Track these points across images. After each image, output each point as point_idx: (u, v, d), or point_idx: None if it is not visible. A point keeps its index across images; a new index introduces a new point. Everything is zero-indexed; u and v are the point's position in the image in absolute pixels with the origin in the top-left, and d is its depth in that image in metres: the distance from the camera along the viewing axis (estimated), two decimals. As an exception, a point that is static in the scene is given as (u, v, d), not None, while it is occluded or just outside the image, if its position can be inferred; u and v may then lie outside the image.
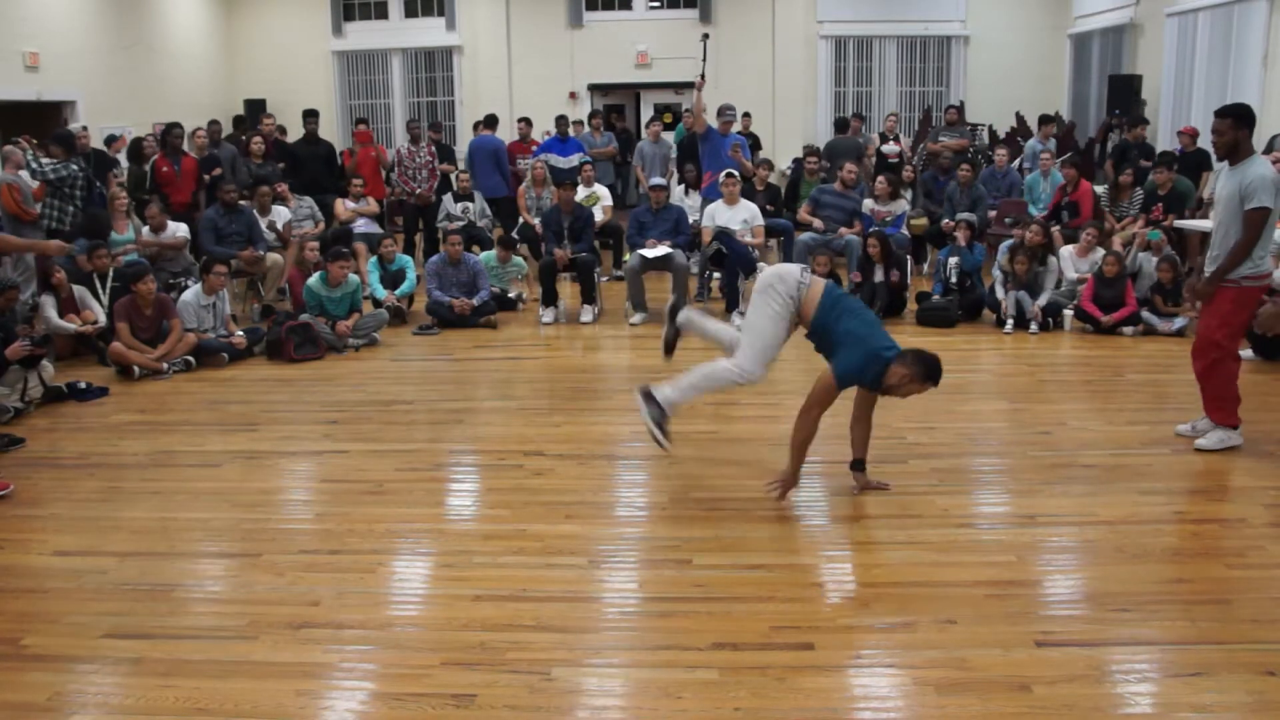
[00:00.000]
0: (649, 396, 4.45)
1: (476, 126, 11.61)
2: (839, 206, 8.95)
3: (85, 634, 3.33)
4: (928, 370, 4.09)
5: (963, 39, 13.92)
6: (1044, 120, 11.14)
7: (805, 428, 4.21)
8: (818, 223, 8.88)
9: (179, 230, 8.21)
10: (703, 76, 9.00)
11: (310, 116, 10.58)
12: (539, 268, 8.53)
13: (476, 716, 2.86)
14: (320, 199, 9.75)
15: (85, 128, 9.46)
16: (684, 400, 4.48)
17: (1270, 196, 4.62)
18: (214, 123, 10.56)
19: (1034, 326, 7.49)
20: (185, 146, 9.50)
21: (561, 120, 11.35)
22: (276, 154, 10.18)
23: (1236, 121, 4.73)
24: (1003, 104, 12.95)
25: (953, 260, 8.03)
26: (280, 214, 9.04)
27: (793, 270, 4.41)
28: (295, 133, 11.12)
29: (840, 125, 11.71)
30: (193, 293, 7.16)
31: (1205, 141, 9.51)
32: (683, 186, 10.17)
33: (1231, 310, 4.83)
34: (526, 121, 11.81)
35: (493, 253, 8.85)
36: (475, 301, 8.03)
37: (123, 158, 10.10)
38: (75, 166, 7.85)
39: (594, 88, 14.20)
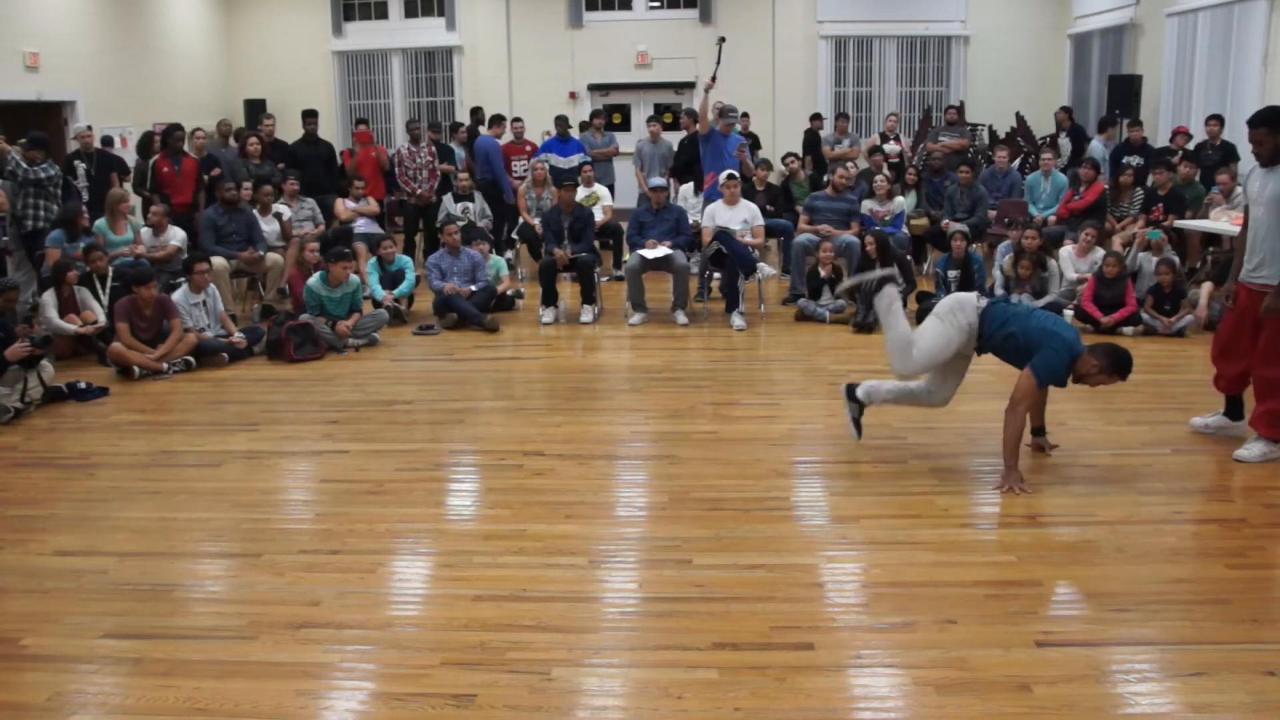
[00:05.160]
0: (851, 393, 4.88)
1: (460, 128, 11.58)
2: (833, 209, 8.95)
3: (85, 634, 3.33)
4: (1116, 362, 4.34)
5: (963, 39, 13.91)
6: (1104, 125, 10.78)
7: (1014, 425, 4.46)
8: (824, 227, 8.87)
9: (173, 239, 8.21)
10: (714, 79, 9.01)
11: (310, 116, 10.58)
12: (539, 268, 8.53)
13: (476, 716, 2.86)
14: (320, 199, 9.75)
15: (90, 127, 9.48)
16: (877, 400, 4.85)
17: None
18: (223, 121, 10.57)
19: None
20: (185, 147, 9.50)
21: (561, 120, 11.33)
22: (276, 154, 10.18)
23: (1271, 128, 4.64)
24: (1003, 104, 12.93)
25: (952, 273, 8.04)
26: (283, 211, 9.06)
27: (970, 299, 4.70)
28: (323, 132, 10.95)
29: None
30: (181, 292, 7.15)
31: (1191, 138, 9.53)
32: (691, 186, 10.15)
33: None
34: (520, 121, 11.68)
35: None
36: (474, 288, 8.06)
37: (129, 154, 10.12)
38: (56, 169, 7.99)
39: (594, 88, 14.20)
